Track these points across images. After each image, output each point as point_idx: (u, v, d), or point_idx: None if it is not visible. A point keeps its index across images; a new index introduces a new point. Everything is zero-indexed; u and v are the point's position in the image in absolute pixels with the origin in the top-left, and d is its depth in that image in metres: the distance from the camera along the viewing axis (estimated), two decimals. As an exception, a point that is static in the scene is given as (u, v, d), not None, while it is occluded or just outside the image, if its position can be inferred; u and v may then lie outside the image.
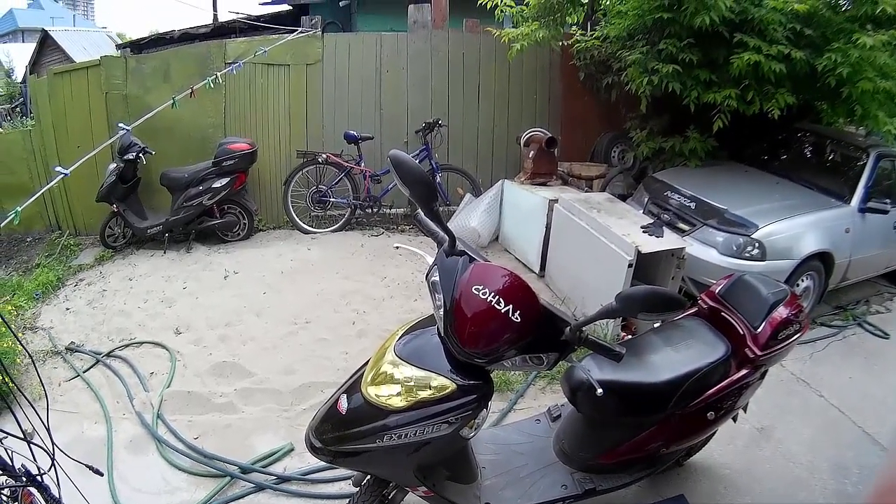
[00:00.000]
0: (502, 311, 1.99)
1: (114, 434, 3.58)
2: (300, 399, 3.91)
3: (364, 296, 5.20)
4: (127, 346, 4.51)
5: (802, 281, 4.92)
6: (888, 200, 5.23)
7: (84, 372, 4.19)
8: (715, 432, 2.98)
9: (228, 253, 6.14)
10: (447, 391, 2.03)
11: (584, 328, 2.02)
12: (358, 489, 2.56)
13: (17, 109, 17.35)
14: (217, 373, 4.17)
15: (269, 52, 6.37)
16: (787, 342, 2.67)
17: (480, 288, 2.02)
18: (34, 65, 19.20)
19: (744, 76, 5.11)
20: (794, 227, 4.84)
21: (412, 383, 2.04)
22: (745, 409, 2.92)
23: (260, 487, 3.17)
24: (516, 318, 1.98)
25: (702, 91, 5.38)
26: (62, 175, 3.61)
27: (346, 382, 2.29)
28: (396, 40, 6.98)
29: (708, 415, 2.59)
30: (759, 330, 2.61)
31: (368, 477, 2.49)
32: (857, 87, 4.97)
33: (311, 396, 3.91)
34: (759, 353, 2.58)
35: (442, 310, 2.08)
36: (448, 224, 2.22)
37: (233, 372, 4.17)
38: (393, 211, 6.89)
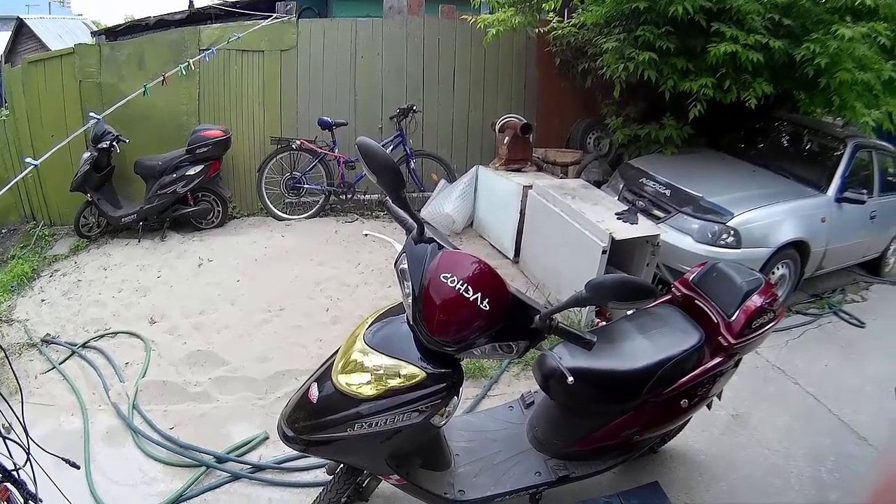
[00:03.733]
0: (471, 299, 1.97)
1: (90, 426, 3.54)
2: (275, 387, 3.89)
3: (338, 282, 5.18)
4: (102, 336, 4.46)
5: (778, 269, 4.97)
6: (865, 191, 5.30)
7: (60, 364, 4.14)
8: (689, 419, 2.99)
9: (203, 241, 6.09)
10: (417, 379, 2.02)
11: (554, 315, 2.02)
12: (332, 477, 2.55)
13: (-8, 99, 17.06)
14: (192, 362, 4.14)
15: (244, 38, 6.30)
16: (762, 331, 2.68)
17: (449, 276, 2.01)
18: (9, 53, 18.83)
19: (721, 65, 5.10)
20: (770, 216, 4.87)
21: (382, 372, 2.03)
22: (719, 397, 2.94)
23: (235, 477, 3.16)
24: (485, 307, 1.97)
25: (678, 79, 5.38)
26: (32, 166, 3.55)
27: (317, 371, 2.28)
28: (372, 26, 6.93)
29: (681, 402, 2.60)
30: (732, 318, 2.63)
31: (342, 465, 2.49)
32: (836, 77, 4.98)
33: (285, 384, 3.90)
34: (732, 341, 2.59)
35: (410, 297, 2.07)
36: (422, 210, 2.21)
37: (207, 360, 4.15)
38: (367, 197, 6.86)
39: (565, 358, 2.39)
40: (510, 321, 2.04)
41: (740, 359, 2.81)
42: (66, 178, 6.04)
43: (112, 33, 7.15)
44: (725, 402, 3.30)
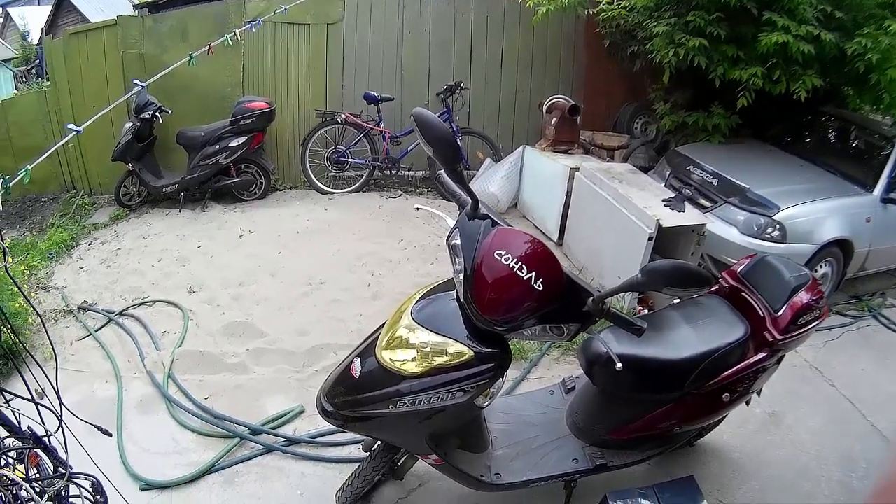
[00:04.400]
0: (525, 278, 1.94)
1: (124, 394, 3.59)
2: (312, 360, 3.91)
3: (380, 258, 5.18)
4: (140, 304, 4.52)
5: (821, 267, 4.85)
6: None
7: (96, 331, 4.20)
8: (727, 414, 2.95)
9: (244, 212, 6.13)
10: (464, 358, 2.00)
11: (606, 300, 1.98)
12: (368, 454, 2.56)
13: (33, 71, 17.33)
14: (229, 332, 4.17)
15: (289, 10, 6.26)
16: (807, 328, 2.62)
17: (503, 253, 1.98)
18: (50, 27, 19.09)
19: (771, 55, 5.00)
20: (816, 212, 4.75)
21: (428, 349, 2.02)
22: (759, 394, 2.89)
23: (269, 449, 3.18)
24: (538, 287, 1.94)
25: (728, 67, 5.28)
26: (74, 132, 3.56)
27: (359, 346, 2.27)
28: (419, 2, 6.85)
29: (723, 396, 2.56)
30: (779, 313, 2.57)
31: (379, 443, 2.49)
32: (886, 74, 4.87)
33: (323, 358, 3.91)
34: (778, 336, 2.54)
35: (462, 274, 2.04)
36: (467, 188, 2.17)
37: (245, 332, 4.18)
38: (412, 173, 6.83)
39: (612, 343, 2.36)
40: (562, 303, 2.01)
41: (783, 355, 2.74)
42: (106, 147, 6.12)
43: (154, 6, 7.16)
44: (762, 399, 3.23)
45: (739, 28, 5.26)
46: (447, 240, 2.17)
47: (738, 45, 5.29)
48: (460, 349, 2.01)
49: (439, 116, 6.21)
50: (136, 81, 4.94)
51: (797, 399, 3.85)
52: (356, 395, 2.11)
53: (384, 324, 2.21)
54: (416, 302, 2.17)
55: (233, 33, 5.56)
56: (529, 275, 1.94)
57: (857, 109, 6.35)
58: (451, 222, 2.22)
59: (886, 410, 3.83)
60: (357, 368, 2.12)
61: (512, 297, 1.97)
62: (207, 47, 5.24)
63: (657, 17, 5.70)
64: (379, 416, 2.08)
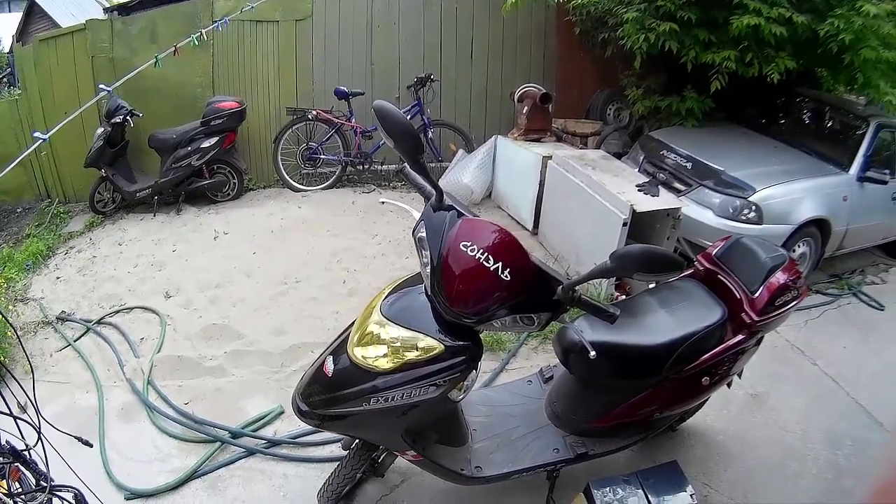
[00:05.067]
0: (491, 268, 1.92)
1: (105, 402, 3.56)
2: (290, 360, 3.89)
3: (355, 254, 5.16)
4: (117, 312, 4.47)
5: (799, 247, 4.89)
6: (887, 171, 5.18)
7: (75, 341, 4.15)
8: (708, 398, 2.95)
9: (218, 213, 6.07)
10: (435, 352, 1.98)
11: (577, 287, 1.96)
12: (347, 452, 2.53)
13: (5, 80, 17.10)
14: (207, 336, 4.14)
15: (258, 8, 6.21)
16: (785, 308, 2.62)
17: (469, 244, 1.95)
18: (21, 34, 18.80)
19: (743, 38, 5.02)
20: (792, 192, 4.79)
21: (398, 344, 1.99)
22: (739, 375, 2.89)
23: (250, 452, 3.17)
24: (506, 277, 1.92)
25: (700, 51, 5.29)
26: (40, 140, 3.51)
27: (332, 344, 2.25)
28: (389, -6, 6.84)
29: (703, 380, 2.55)
30: (756, 295, 2.56)
31: (357, 440, 2.47)
32: (860, 55, 4.90)
33: (301, 357, 3.90)
34: (756, 318, 2.53)
35: (429, 267, 2.02)
36: (440, 180, 2.15)
37: (223, 334, 4.15)
38: (384, 167, 6.82)
39: (586, 331, 2.35)
40: (532, 292, 1.99)
41: (762, 337, 2.74)
42: (79, 154, 6.03)
43: (125, 8, 7.07)
44: (744, 381, 3.26)
45: (711, 11, 5.25)
46: (413, 232, 2.15)
47: (710, 29, 5.29)
48: (431, 343, 1.98)
49: (410, 109, 6.26)
50: (101, 86, 4.89)
51: (780, 379, 3.87)
52: (330, 393, 2.09)
53: (355, 321, 2.18)
54: (386, 297, 2.14)
55: (199, 33, 5.51)
56: (496, 265, 1.92)
57: (832, 90, 6.39)
58: (417, 215, 2.20)
59: (870, 387, 3.86)
60: (330, 367, 2.10)
61: (479, 289, 1.95)
62: (174, 48, 5.18)
63: (627, 3, 5.71)
64: (354, 413, 2.06)
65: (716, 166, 5.04)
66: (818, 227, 4.89)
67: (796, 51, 5.24)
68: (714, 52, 5.21)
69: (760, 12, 4.84)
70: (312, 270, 4.90)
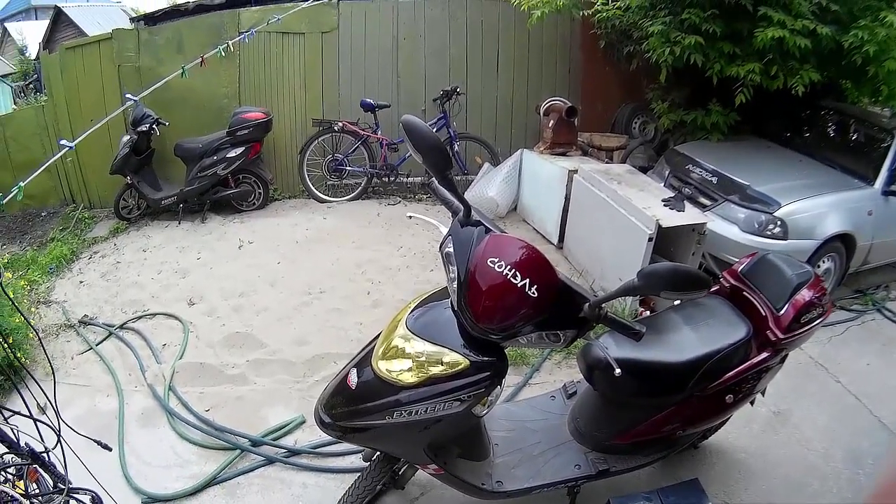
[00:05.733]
0: (518, 285, 1.91)
1: (125, 407, 3.59)
2: (313, 370, 3.90)
3: (379, 265, 5.16)
4: (140, 317, 4.52)
5: (823, 262, 4.82)
6: None
7: (97, 345, 4.21)
8: (731, 416, 2.92)
9: (243, 223, 6.13)
10: (459, 367, 1.98)
11: (603, 305, 1.95)
12: (368, 464, 2.53)
13: (31, 86, 17.41)
14: (230, 344, 4.17)
15: (284, 20, 6.28)
16: (810, 326, 2.58)
17: (496, 260, 1.95)
18: (48, 42, 19.16)
19: (767, 50, 4.99)
20: (817, 207, 4.72)
21: (423, 359, 2.00)
22: (762, 393, 2.86)
23: (270, 461, 3.17)
24: (533, 294, 1.91)
25: (725, 64, 5.27)
26: (66, 148, 3.58)
27: (356, 356, 2.25)
28: (413, 7, 6.86)
29: (727, 397, 2.53)
30: (781, 312, 2.53)
31: (378, 453, 2.47)
32: (884, 66, 4.87)
33: (323, 367, 3.90)
34: (781, 336, 2.50)
35: (455, 282, 2.02)
36: (466, 193, 2.16)
37: (245, 343, 4.17)
38: (410, 180, 6.84)
39: (611, 348, 2.34)
40: (558, 309, 1.98)
41: (787, 354, 2.71)
42: (105, 161, 6.14)
43: (151, 19, 7.19)
44: (767, 397, 3.22)
45: (735, 24, 5.23)
46: (440, 247, 2.15)
47: (734, 42, 5.27)
48: (456, 358, 1.98)
49: (436, 122, 6.26)
50: (128, 95, 4.95)
51: (803, 396, 3.82)
52: (353, 406, 2.09)
53: (380, 334, 2.19)
54: (412, 311, 2.15)
55: (226, 44, 5.57)
56: (523, 281, 1.92)
57: (856, 102, 6.31)
58: (444, 230, 2.20)
59: (893, 405, 3.79)
60: (353, 379, 2.10)
61: (506, 305, 1.94)
62: (200, 59, 5.24)
63: (652, 17, 5.69)
64: (377, 426, 2.06)
65: (741, 181, 4.99)
66: (843, 242, 4.82)
67: (820, 63, 5.20)
68: (739, 65, 5.17)
69: (785, 24, 4.81)
70: (336, 281, 4.92)
